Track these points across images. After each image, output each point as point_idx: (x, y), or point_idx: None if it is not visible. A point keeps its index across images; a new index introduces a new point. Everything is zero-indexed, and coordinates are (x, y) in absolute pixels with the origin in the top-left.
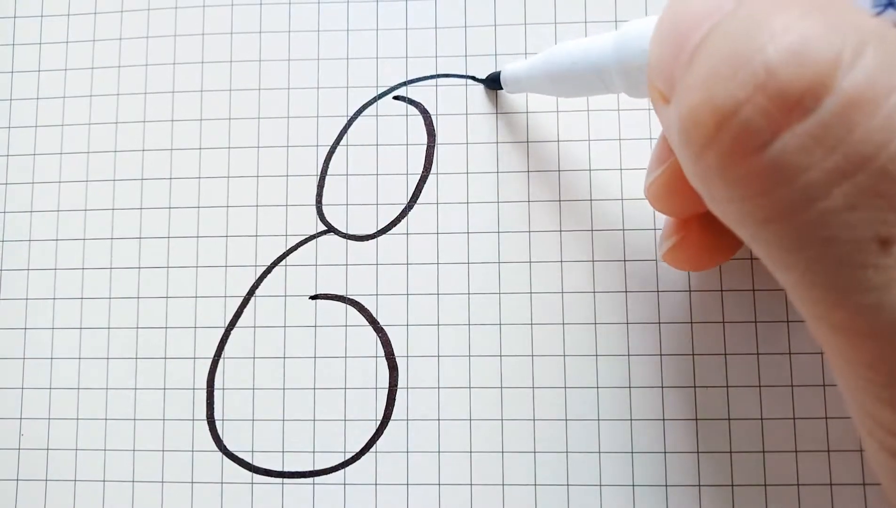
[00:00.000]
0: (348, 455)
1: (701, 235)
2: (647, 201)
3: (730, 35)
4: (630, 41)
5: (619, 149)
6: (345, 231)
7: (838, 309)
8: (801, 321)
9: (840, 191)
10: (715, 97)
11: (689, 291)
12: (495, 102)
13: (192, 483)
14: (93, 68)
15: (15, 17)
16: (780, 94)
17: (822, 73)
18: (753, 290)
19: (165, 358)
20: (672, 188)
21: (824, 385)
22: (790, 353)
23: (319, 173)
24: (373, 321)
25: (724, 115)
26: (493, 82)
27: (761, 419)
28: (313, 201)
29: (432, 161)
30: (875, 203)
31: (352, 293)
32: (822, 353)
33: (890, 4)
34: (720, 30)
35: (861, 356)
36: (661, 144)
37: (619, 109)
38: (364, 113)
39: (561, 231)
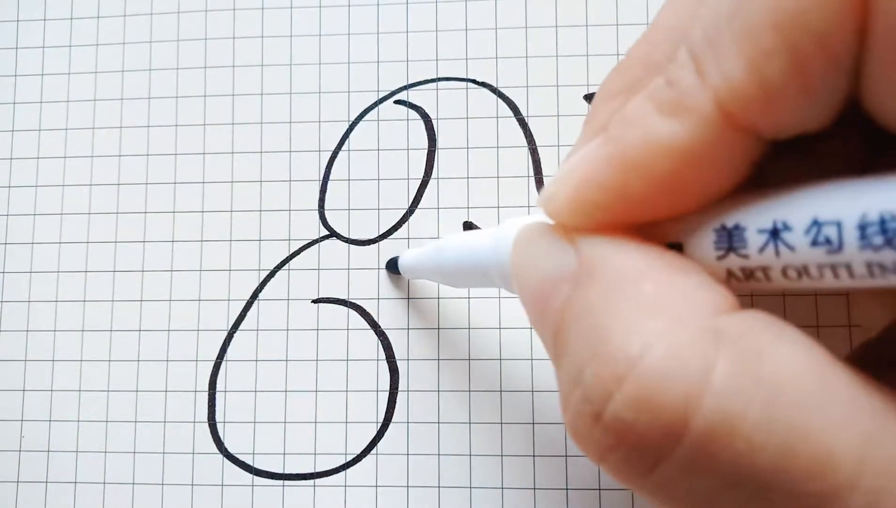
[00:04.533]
0: (349, 458)
1: None
2: None
3: (582, 346)
4: (505, 243)
5: None
6: (347, 236)
7: None
8: None
9: (730, 502)
10: (587, 413)
11: None
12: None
13: (193, 485)
14: (96, 73)
15: (18, 20)
16: (638, 443)
17: (680, 404)
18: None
19: (167, 361)
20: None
21: None
22: None
23: (321, 178)
24: (374, 325)
25: (605, 440)
26: (392, 267)
27: None
28: (316, 206)
29: (433, 166)
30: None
31: (353, 297)
32: None
33: (731, 249)
34: (571, 335)
35: None
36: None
37: None
38: (365, 118)
39: None
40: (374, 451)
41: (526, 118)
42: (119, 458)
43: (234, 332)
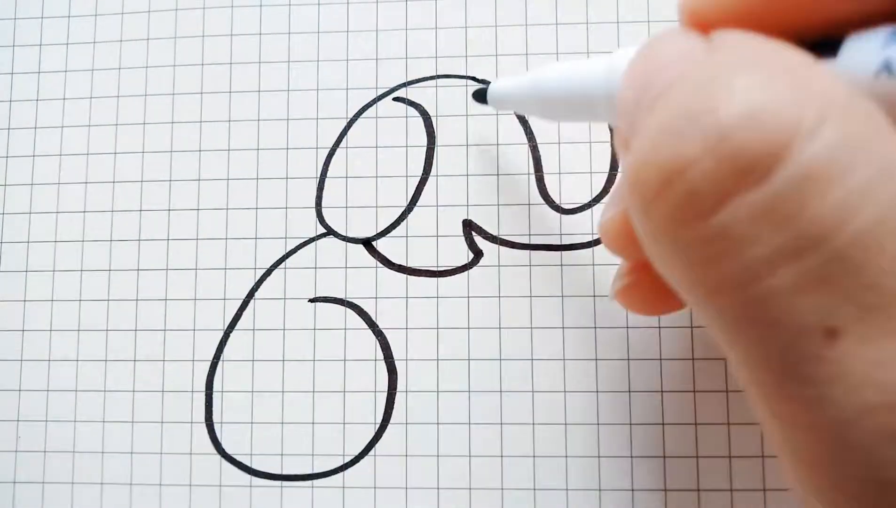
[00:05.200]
0: (347, 459)
1: (654, 280)
2: None
3: (688, 89)
4: (620, 70)
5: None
6: (344, 234)
7: (779, 397)
8: None
9: (788, 271)
10: (663, 153)
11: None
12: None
13: (191, 485)
14: (93, 70)
15: (15, 18)
16: (731, 158)
17: (777, 141)
18: None
19: (164, 360)
20: (627, 231)
21: None
22: None
23: (319, 176)
24: (372, 325)
25: (669, 173)
26: (479, 96)
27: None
28: (313, 204)
29: (432, 163)
30: (825, 289)
31: (351, 296)
32: None
33: (887, 68)
34: (681, 81)
35: (801, 451)
36: (621, 183)
37: None
38: (364, 115)
39: (561, 234)
40: (372, 452)
41: (526, 118)
42: (116, 458)
43: (231, 331)
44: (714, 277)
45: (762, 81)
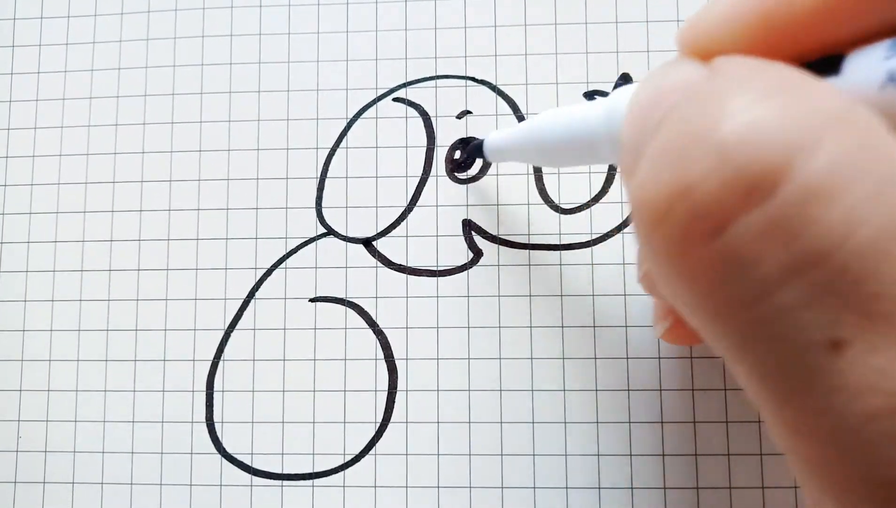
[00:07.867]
0: (348, 458)
1: None
2: None
3: (690, 110)
4: (619, 111)
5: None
6: (344, 234)
7: (786, 407)
8: None
9: (794, 287)
10: (665, 176)
11: None
12: (495, 104)
13: (191, 485)
14: (92, 70)
15: (14, 18)
16: (735, 177)
17: (778, 159)
18: None
19: (164, 360)
20: None
21: None
22: None
23: (319, 176)
24: (372, 324)
25: (673, 195)
26: (477, 151)
27: (759, 421)
28: (313, 204)
29: (432, 163)
30: (830, 302)
31: (351, 296)
32: None
33: (892, 79)
34: (682, 105)
35: (807, 456)
36: None
37: None
38: (364, 115)
39: (560, 233)
40: (372, 451)
41: (525, 116)
42: (117, 458)
43: (231, 331)
44: (720, 298)
45: (762, 99)
